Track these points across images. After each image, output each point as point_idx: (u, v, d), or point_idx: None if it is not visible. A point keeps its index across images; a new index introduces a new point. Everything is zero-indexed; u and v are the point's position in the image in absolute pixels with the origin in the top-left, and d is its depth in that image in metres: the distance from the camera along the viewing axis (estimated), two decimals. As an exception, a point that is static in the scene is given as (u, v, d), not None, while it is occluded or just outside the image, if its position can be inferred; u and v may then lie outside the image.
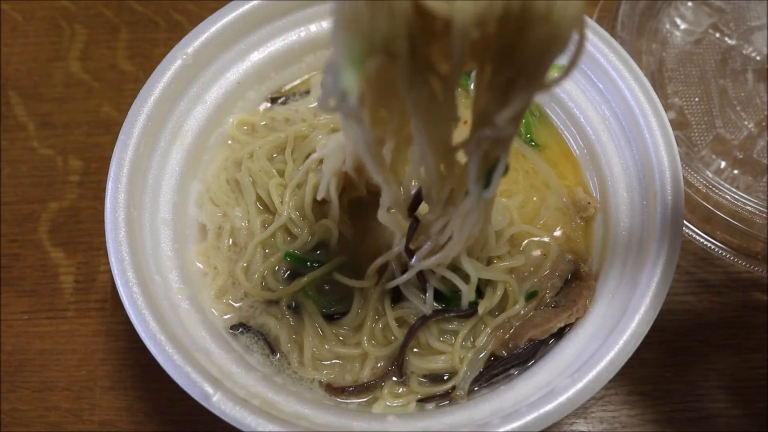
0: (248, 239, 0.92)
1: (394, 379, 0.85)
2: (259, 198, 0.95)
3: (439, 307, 0.86)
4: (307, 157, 0.94)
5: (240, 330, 0.88)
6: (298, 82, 1.05)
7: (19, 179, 1.16)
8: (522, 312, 0.86)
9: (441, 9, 0.50)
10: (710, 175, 1.02)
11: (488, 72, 0.58)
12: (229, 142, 0.99)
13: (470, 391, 0.83)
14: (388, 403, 0.83)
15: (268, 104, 1.03)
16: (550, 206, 0.95)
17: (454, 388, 0.84)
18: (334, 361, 0.87)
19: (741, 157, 1.06)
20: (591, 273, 0.88)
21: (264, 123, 1.01)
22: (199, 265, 0.91)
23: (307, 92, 1.04)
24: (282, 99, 1.03)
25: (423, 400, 0.83)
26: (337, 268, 0.88)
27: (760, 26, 1.15)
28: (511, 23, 0.52)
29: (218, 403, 0.74)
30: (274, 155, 0.97)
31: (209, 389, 0.75)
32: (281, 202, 0.92)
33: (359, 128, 0.62)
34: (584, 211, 0.94)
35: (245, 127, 1.01)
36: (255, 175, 0.95)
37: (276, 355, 0.87)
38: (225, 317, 0.88)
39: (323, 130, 0.96)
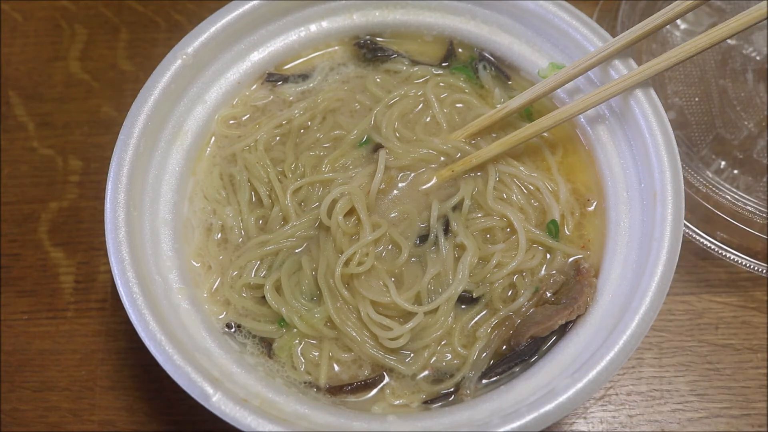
0: (241, 237, 0.92)
1: (387, 380, 0.85)
2: (255, 193, 0.94)
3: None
4: (307, 149, 0.96)
5: (233, 329, 0.88)
6: (300, 61, 1.05)
7: (19, 179, 1.16)
8: (524, 308, 0.86)
9: None
10: (710, 175, 1.02)
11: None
12: (213, 138, 0.99)
13: (475, 390, 0.83)
14: (390, 403, 0.83)
15: (255, 86, 1.02)
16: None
17: (458, 387, 0.84)
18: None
19: (741, 157, 1.06)
20: (592, 269, 0.88)
21: (246, 116, 1.00)
22: (195, 264, 0.91)
23: (306, 76, 1.03)
24: (280, 81, 1.03)
25: (428, 402, 0.83)
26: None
27: (760, 26, 1.15)
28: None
29: (218, 403, 0.75)
30: (273, 143, 0.98)
31: (209, 389, 0.75)
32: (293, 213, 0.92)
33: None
34: (585, 206, 0.94)
35: (231, 122, 1.00)
36: (251, 168, 0.94)
37: (271, 352, 0.86)
38: (220, 316, 0.88)
39: (320, 115, 0.98)
